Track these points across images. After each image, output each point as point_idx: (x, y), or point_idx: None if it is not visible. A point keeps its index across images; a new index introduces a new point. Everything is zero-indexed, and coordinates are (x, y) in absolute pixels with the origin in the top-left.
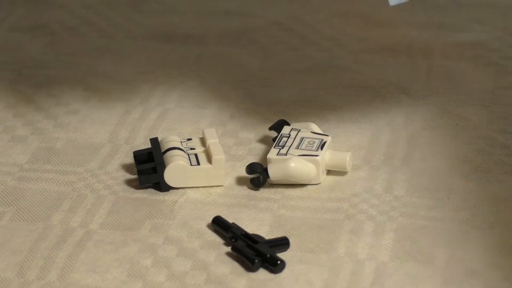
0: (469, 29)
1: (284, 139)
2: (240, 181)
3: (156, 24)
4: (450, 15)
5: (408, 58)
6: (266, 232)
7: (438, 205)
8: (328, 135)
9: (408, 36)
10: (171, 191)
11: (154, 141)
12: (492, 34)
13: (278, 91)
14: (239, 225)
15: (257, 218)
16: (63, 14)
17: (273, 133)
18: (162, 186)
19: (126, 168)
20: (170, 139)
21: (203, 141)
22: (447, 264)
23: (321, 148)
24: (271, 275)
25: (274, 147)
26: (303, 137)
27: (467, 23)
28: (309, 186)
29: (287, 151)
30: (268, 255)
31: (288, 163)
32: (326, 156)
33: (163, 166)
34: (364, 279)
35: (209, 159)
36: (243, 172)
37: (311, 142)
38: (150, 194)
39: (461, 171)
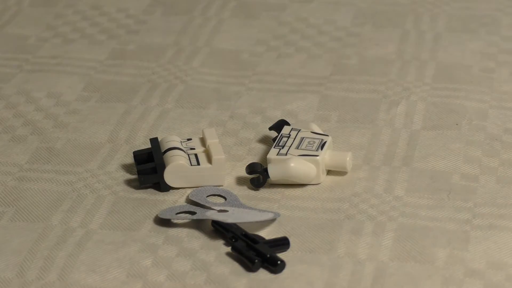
0: (471, 29)
1: (284, 139)
2: (240, 181)
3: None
4: (455, 19)
5: (409, 58)
6: (266, 232)
7: (438, 205)
8: (328, 135)
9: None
10: (171, 191)
11: (154, 141)
12: (495, 34)
13: (278, 91)
14: (239, 225)
15: None
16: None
17: (273, 133)
18: (162, 186)
19: (126, 168)
20: (170, 139)
21: (203, 141)
22: (447, 264)
23: (321, 148)
24: (271, 275)
25: (274, 147)
26: (303, 137)
27: (470, 24)
28: (309, 186)
29: (287, 151)
30: (268, 255)
31: (288, 163)
32: (326, 156)
33: (163, 166)
34: (364, 279)
35: (209, 159)
36: (243, 172)
37: (311, 142)
38: (150, 194)
39: (461, 171)
